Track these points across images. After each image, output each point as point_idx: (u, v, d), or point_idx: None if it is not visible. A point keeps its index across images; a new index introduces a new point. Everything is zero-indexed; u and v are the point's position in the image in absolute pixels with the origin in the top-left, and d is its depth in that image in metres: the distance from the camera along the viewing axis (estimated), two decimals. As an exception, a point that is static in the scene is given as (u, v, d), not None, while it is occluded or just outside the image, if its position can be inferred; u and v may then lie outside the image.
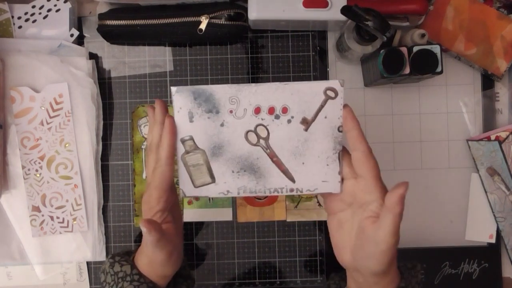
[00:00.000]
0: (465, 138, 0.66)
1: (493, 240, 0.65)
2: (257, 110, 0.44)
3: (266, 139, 0.44)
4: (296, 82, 0.43)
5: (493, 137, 0.62)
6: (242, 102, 0.44)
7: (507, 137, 0.61)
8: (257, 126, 0.44)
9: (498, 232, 0.65)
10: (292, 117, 0.44)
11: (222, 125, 0.44)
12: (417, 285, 0.46)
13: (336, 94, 0.43)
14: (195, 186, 0.45)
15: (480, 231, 0.65)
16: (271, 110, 0.44)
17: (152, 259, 0.46)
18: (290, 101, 0.44)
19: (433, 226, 0.66)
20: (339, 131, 0.44)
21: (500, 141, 0.61)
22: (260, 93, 0.43)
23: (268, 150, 0.44)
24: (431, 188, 0.66)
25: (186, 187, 0.45)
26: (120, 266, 0.47)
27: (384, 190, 0.42)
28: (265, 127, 0.44)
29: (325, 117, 0.44)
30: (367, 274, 0.42)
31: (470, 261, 0.65)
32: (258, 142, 0.44)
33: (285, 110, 0.44)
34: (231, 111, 0.44)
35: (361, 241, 0.43)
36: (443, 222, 0.66)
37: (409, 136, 0.66)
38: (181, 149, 0.44)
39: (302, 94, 0.43)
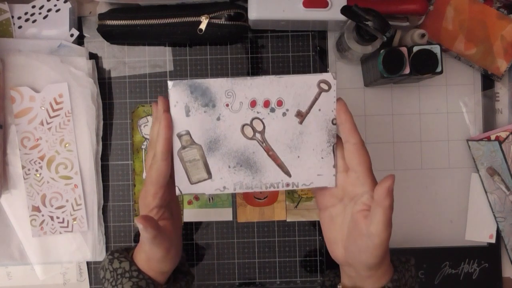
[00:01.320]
0: (465, 138, 0.66)
1: (493, 240, 0.65)
2: (253, 103, 0.44)
3: (262, 132, 0.44)
4: (290, 75, 0.44)
5: (493, 137, 0.62)
6: (238, 96, 0.44)
7: (507, 137, 0.61)
8: (253, 119, 0.44)
9: (498, 232, 0.65)
10: (287, 110, 0.44)
11: (218, 119, 0.44)
12: (411, 278, 0.46)
13: (330, 86, 0.44)
14: (192, 183, 0.45)
15: (480, 231, 0.65)
16: (266, 103, 0.44)
17: (149, 255, 0.46)
18: (285, 94, 0.44)
19: (433, 226, 0.66)
20: (333, 123, 0.44)
21: (500, 141, 0.61)
22: (255, 86, 0.44)
23: (264, 144, 0.45)
24: (431, 188, 0.66)
25: (182, 184, 0.45)
26: (119, 262, 0.47)
27: (375, 182, 0.43)
28: (261, 120, 0.44)
29: (319, 110, 0.44)
30: (360, 267, 0.43)
31: (470, 261, 0.65)
32: (254, 136, 0.44)
33: (280, 103, 0.44)
34: (227, 105, 0.44)
35: (353, 235, 0.43)
36: (443, 222, 0.66)
37: (409, 136, 0.66)
38: (177, 144, 0.44)
39: (296, 87, 0.44)
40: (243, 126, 0.44)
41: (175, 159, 0.45)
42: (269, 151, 0.45)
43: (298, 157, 0.45)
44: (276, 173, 0.45)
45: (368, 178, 0.42)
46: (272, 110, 0.44)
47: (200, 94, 0.44)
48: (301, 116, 0.44)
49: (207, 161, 0.45)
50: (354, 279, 0.45)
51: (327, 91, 0.44)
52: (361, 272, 0.43)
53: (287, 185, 0.45)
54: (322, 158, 0.45)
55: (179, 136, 0.44)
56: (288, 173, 0.45)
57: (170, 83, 0.44)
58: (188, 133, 0.44)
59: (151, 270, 0.47)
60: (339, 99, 0.44)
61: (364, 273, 0.43)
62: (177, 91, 0.44)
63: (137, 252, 0.48)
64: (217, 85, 0.44)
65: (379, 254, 0.41)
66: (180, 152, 0.44)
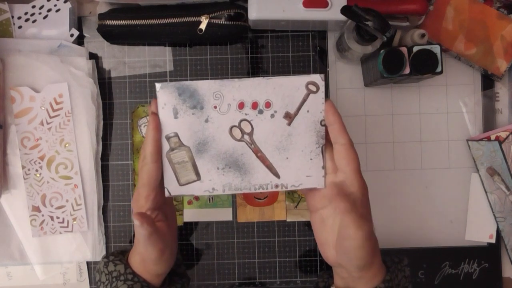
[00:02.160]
0: (465, 138, 0.66)
1: (493, 240, 0.65)
2: (241, 105, 0.44)
3: (250, 134, 0.45)
4: (278, 77, 0.44)
5: (493, 137, 0.62)
6: (226, 97, 0.44)
7: (507, 137, 0.61)
8: (241, 121, 0.44)
9: (498, 232, 0.65)
10: (275, 111, 0.44)
11: (206, 121, 0.44)
12: (405, 278, 0.46)
13: (318, 88, 0.44)
14: (180, 184, 0.45)
15: (480, 231, 0.65)
16: (254, 105, 0.44)
17: (144, 256, 0.46)
18: (273, 95, 0.44)
19: (433, 226, 0.66)
20: (321, 125, 0.44)
21: (500, 141, 0.61)
22: (243, 88, 0.44)
23: (253, 146, 0.45)
24: (431, 188, 0.66)
25: (171, 186, 0.45)
26: (114, 265, 0.47)
27: (362, 183, 0.43)
28: (249, 122, 0.44)
29: (308, 111, 0.44)
30: (350, 268, 0.43)
31: (470, 261, 0.65)
32: (243, 138, 0.45)
33: (268, 104, 0.44)
34: (215, 107, 0.44)
35: (340, 236, 0.43)
36: (443, 222, 0.66)
37: (409, 136, 0.66)
38: (166, 146, 0.45)
39: (284, 88, 0.44)
40: (231, 128, 0.44)
41: (164, 160, 0.45)
42: (258, 153, 0.45)
43: (287, 158, 0.45)
44: (265, 174, 0.45)
45: (355, 178, 0.43)
46: (260, 111, 0.44)
47: (188, 96, 0.44)
48: (289, 117, 0.44)
49: (195, 163, 0.45)
50: (346, 280, 0.45)
51: (315, 92, 0.44)
52: (352, 273, 0.43)
53: (276, 186, 0.45)
54: (311, 159, 0.45)
55: (168, 138, 0.44)
56: (277, 175, 0.45)
57: (158, 85, 0.44)
58: (176, 135, 0.44)
59: (146, 272, 0.47)
60: (327, 100, 0.44)
61: (355, 274, 0.43)
62: (165, 93, 0.44)
63: (132, 255, 0.48)
64: (205, 87, 0.44)
65: (362, 255, 0.41)
66: (169, 154, 0.45)
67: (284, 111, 0.44)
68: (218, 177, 0.45)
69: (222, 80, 0.44)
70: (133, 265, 0.47)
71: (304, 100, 0.44)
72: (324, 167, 0.45)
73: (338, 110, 0.44)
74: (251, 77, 0.44)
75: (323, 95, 0.44)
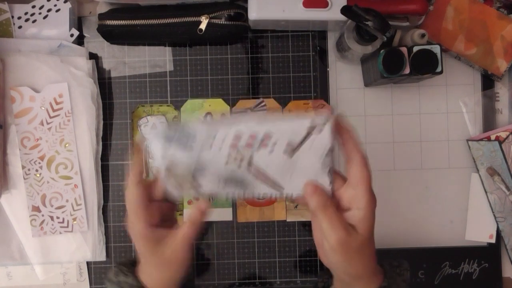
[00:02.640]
0: (465, 138, 0.66)
1: (493, 240, 0.65)
2: (237, 137, 0.42)
3: (250, 162, 0.43)
4: (277, 118, 0.42)
5: (493, 137, 0.62)
6: (220, 133, 0.42)
7: (507, 137, 0.61)
8: (238, 151, 0.42)
9: (498, 232, 0.65)
10: (275, 143, 0.42)
11: (201, 151, 0.43)
12: (403, 283, 0.45)
13: (322, 130, 0.42)
14: (182, 190, 0.45)
15: (480, 231, 0.65)
16: (252, 137, 0.42)
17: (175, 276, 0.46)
18: (273, 130, 0.42)
19: (433, 226, 0.66)
20: (326, 154, 0.42)
21: (500, 141, 0.61)
22: (238, 123, 0.42)
23: (253, 171, 0.43)
24: (431, 188, 0.66)
25: (174, 190, 0.45)
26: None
27: (372, 200, 0.42)
28: (247, 152, 0.42)
29: (312, 143, 0.42)
30: (340, 273, 0.43)
31: (470, 261, 0.65)
32: (241, 165, 0.43)
33: (267, 137, 0.42)
34: (210, 144, 0.42)
35: (323, 235, 0.43)
36: (443, 222, 0.66)
37: (409, 136, 0.66)
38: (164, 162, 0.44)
39: (284, 126, 0.42)
40: (228, 155, 0.43)
41: (163, 174, 0.44)
42: (259, 176, 0.43)
43: (291, 176, 0.43)
44: (268, 188, 0.44)
45: (365, 196, 0.41)
46: (259, 144, 0.42)
47: (177, 138, 0.43)
48: (291, 150, 0.42)
49: (196, 175, 0.43)
50: (341, 283, 0.45)
51: (320, 130, 0.42)
52: (343, 278, 0.43)
53: (281, 194, 0.44)
54: (315, 176, 0.43)
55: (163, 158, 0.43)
56: (280, 188, 0.44)
57: (146, 141, 0.43)
58: (171, 159, 0.43)
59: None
60: (339, 117, 0.42)
61: (346, 279, 0.43)
62: (154, 145, 0.43)
63: (144, 274, 0.46)
64: (198, 128, 0.42)
65: (338, 259, 0.41)
66: (168, 169, 0.43)
67: (285, 143, 0.42)
68: (219, 189, 0.44)
69: (214, 123, 0.42)
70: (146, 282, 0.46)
71: (307, 136, 0.42)
72: (331, 183, 0.43)
73: (350, 126, 0.42)
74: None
75: (329, 133, 0.41)
